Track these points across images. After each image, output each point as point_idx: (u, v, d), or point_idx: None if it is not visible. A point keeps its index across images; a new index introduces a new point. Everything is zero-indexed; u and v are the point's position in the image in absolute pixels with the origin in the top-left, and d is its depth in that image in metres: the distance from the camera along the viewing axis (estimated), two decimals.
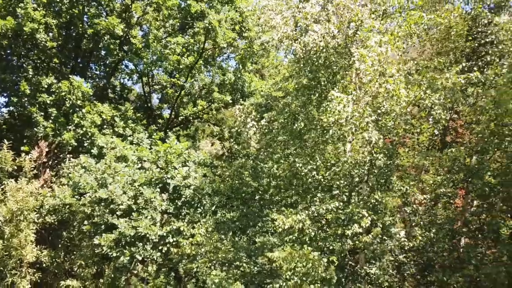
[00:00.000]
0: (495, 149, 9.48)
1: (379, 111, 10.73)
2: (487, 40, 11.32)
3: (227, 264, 11.33)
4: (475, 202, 10.72)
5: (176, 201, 12.79)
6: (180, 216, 12.56)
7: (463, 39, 11.90)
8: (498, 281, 8.68)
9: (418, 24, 12.01)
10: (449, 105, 10.12)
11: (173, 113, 20.56)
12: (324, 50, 11.52)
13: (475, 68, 11.00)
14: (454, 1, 13.37)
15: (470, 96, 10.47)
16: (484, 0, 12.07)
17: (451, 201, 10.58)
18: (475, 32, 11.86)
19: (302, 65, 12.19)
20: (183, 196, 12.76)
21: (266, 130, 12.89)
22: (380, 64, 10.51)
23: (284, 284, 9.25)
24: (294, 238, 10.11)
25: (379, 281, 10.23)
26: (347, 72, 12.36)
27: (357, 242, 9.40)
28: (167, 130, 16.88)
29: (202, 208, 12.77)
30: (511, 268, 8.91)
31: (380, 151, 10.42)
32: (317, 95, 12.58)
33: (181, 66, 18.39)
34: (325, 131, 11.65)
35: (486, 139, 9.67)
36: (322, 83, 12.35)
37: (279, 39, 12.28)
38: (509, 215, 9.82)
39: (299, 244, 9.80)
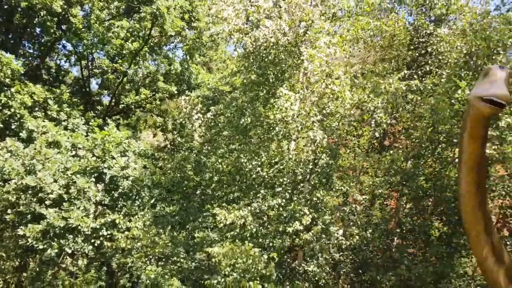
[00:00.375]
0: (430, 155, 10.00)
1: (324, 111, 10.93)
2: (428, 50, 11.92)
3: (164, 259, 10.99)
4: (408, 205, 11.26)
5: (113, 192, 12.16)
6: (116, 208, 11.96)
7: (406, 48, 12.45)
8: (426, 280, 9.19)
9: (365, 30, 12.40)
10: (390, 110, 10.51)
11: (113, 100, 19.57)
12: (274, 46, 11.52)
13: (415, 76, 11.55)
14: (398, 11, 13.95)
15: (409, 102, 10.97)
16: (426, 12, 12.70)
17: (386, 202, 11.06)
18: (416, 42, 12.45)
19: (251, 60, 12.09)
20: (121, 187, 12.16)
21: (212, 124, 12.66)
22: (328, 65, 10.69)
23: (222, 280, 9.12)
24: (235, 234, 10.02)
25: (316, 278, 10.43)
26: (295, 71, 12.49)
27: (297, 239, 9.49)
28: (106, 118, 16.00)
29: (140, 200, 12.26)
30: (438, 268, 9.47)
31: (323, 151, 10.61)
32: (264, 91, 12.58)
33: (124, 52, 17.55)
34: (271, 128, 11.67)
35: (422, 145, 10.18)
36: (271, 80, 12.35)
37: (230, 32, 12.08)
38: (439, 218, 10.42)
39: (240, 240, 9.73)
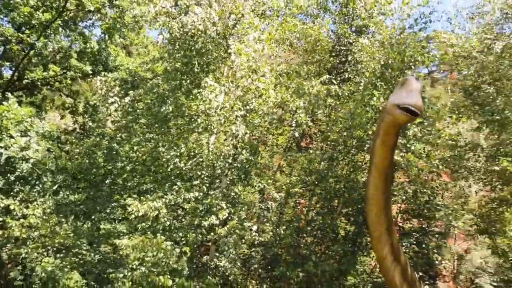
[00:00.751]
0: (343, 158, 10.51)
1: (248, 107, 10.92)
2: (348, 58, 12.53)
3: (64, 251, 10.10)
4: (318, 204, 11.70)
5: (9, 175, 10.87)
6: (12, 193, 10.71)
7: (328, 54, 12.96)
8: (332, 276, 9.64)
9: (291, 32, 12.67)
10: (310, 112, 10.83)
11: (16, 74, 17.55)
12: (202, 35, 11.23)
13: (334, 82, 12.05)
14: (323, 18, 14.48)
15: (327, 106, 11.38)
16: (348, 22, 13.34)
17: (299, 201, 11.41)
18: (338, 50, 13.03)
19: (177, 47, 11.64)
20: (18, 170, 10.92)
21: (130, 109, 11.94)
22: (255, 61, 10.70)
23: (129, 274, 8.62)
24: (147, 226, 9.55)
25: (227, 273, 10.37)
26: (221, 63, 12.32)
27: (212, 233, 9.33)
28: (6, 93, 14.27)
29: (41, 186, 11.12)
30: (343, 265, 9.99)
31: (244, 146, 10.59)
32: (188, 81, 12.21)
33: (33, 22, 15.82)
34: (192, 119, 11.36)
35: (337, 148, 10.65)
36: (195, 70, 12.02)
37: (156, 14, 11.52)
38: (346, 218, 10.99)
39: (152, 232, 9.30)
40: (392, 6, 13.36)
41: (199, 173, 10.93)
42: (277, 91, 10.83)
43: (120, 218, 11.01)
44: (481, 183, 15.67)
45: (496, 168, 13.42)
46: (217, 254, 10.91)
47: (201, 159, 10.54)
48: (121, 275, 8.57)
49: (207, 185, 10.73)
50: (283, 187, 11.53)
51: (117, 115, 11.88)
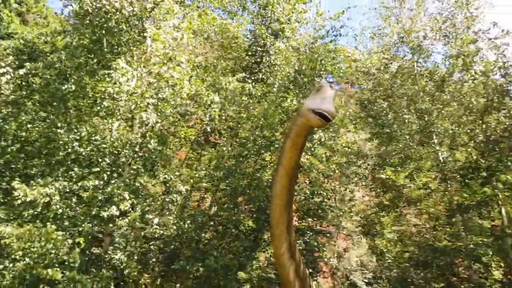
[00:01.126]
0: (252, 156, 10.70)
1: (160, 95, 10.53)
2: (263, 60, 12.82)
3: None
4: (223, 199, 11.76)
5: None
6: None
7: (244, 52, 13.11)
8: (230, 271, 9.76)
9: (210, 25, 12.55)
10: (226, 107, 10.83)
11: None
12: (117, 13, 10.52)
13: (248, 81, 12.25)
14: (241, 16, 14.62)
15: (241, 104, 11.49)
16: (266, 24, 13.66)
17: (204, 195, 11.34)
18: (254, 50, 13.26)
19: (87, 22, 10.73)
20: None
21: (24, 83, 10.66)
22: (172, 49, 10.37)
23: (11, 265, 7.71)
24: (35, 213, 8.61)
25: (122, 266, 9.88)
26: (134, 46, 11.69)
27: (111, 225, 8.78)
28: None
29: None
30: (242, 260, 10.18)
31: (153, 136, 10.18)
32: (95, 60, 11.33)
33: None
34: (97, 102, 10.57)
35: (247, 145, 10.81)
36: (105, 49, 11.21)
37: None
38: (250, 214, 11.21)
39: (41, 221, 8.42)
40: (307, 15, 14.04)
41: (100, 159, 10.21)
42: (192, 83, 10.63)
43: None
44: (367, 189, 17.30)
45: (383, 176, 14.94)
46: (111, 247, 10.31)
47: (104, 145, 9.86)
48: (0, 267, 7.63)
49: (109, 173, 10.07)
50: (191, 180, 11.35)
51: (8, 87, 10.52)
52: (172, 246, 10.59)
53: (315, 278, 14.70)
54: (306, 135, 9.46)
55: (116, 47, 11.29)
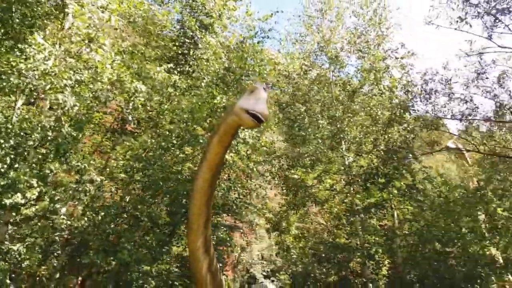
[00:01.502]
0: (176, 149, 10.51)
1: (77, 77, 9.81)
2: (190, 52, 12.62)
3: None
4: (139, 191, 11.38)
5: None
6: None
7: (171, 42, 12.79)
8: (144, 264, 9.54)
9: (137, 9, 12.01)
10: (153, 97, 10.44)
11: None
12: None
13: (175, 72, 11.98)
14: (173, 5, 14.20)
15: (167, 95, 11.21)
16: (195, 17, 13.46)
17: (119, 187, 10.86)
18: (182, 41, 12.99)
19: None
20: None
21: None
22: (97, 30, 9.75)
23: None
24: None
25: (20, 258, 9.09)
26: (51, 22, 10.73)
27: (14, 214, 8.00)
28: None
29: None
30: (156, 254, 10.02)
31: (68, 120, 9.46)
32: (2, 31, 10.13)
33: None
34: (2, 77, 9.48)
35: (169, 138, 10.59)
36: (16, 19, 10.09)
37: None
38: (166, 208, 11.02)
39: None
40: (236, 13, 14.14)
41: (2, 140, 9.19)
42: (115, 68, 10.08)
43: None
44: (279, 188, 18.05)
45: (296, 176, 15.73)
46: (7, 236, 9.40)
47: (9, 125, 8.88)
48: None
49: (13, 156, 9.12)
50: (107, 170, 10.78)
51: None
52: (80, 238, 9.99)
53: (224, 273, 14.99)
54: (234, 133, 9.62)
55: (30, 18, 10.25)
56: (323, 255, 15.96)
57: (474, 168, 22.30)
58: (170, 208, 10.99)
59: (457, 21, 12.55)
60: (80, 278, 11.39)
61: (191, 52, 12.62)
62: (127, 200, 11.37)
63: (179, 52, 12.89)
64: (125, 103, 10.20)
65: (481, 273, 13.62)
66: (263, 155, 13.80)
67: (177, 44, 12.77)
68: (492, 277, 13.96)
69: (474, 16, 12.33)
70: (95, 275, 10.20)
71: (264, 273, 19.30)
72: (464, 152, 21.80)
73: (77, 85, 9.78)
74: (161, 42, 12.45)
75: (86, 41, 10.08)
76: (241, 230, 14.41)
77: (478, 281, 13.80)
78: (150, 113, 12.67)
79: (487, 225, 16.13)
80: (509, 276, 15.41)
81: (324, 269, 15.52)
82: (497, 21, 12.05)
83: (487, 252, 15.26)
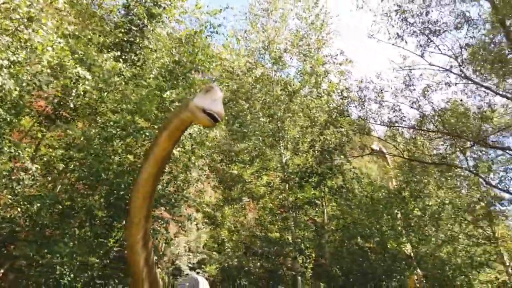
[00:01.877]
0: (121, 140, 10.18)
1: (15, 57, 9.12)
2: (137, 40, 12.25)
3: None
4: (77, 182, 10.90)
5: None
6: None
7: (118, 29, 12.34)
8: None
9: None
10: (99, 86, 9.99)
11: None
12: None
13: (120, 60, 11.59)
14: None
15: (116, 85, 10.80)
16: (144, 4, 13.07)
17: (58, 176, 10.29)
18: (127, 28, 12.55)
19: None
20: None
21: None
22: (41, 10, 9.14)
23: None
24: None
25: None
26: None
27: None
28: None
29: None
30: (96, 248, 9.72)
31: (3, 103, 8.79)
32: None
33: None
34: None
35: (110, 128, 10.23)
36: None
37: None
38: (106, 200, 10.69)
39: None
40: (186, 5, 13.99)
41: None
42: (57, 52, 9.52)
43: None
44: (216, 181, 18.23)
45: (235, 172, 16.01)
46: None
47: None
48: None
49: None
50: (44, 158, 10.16)
51: None
52: (9, 229, 9.37)
53: (159, 266, 14.87)
54: (184, 129, 9.67)
55: None
56: (256, 249, 16.47)
57: (394, 170, 24.11)
58: (109, 200, 10.68)
59: (395, 37, 13.61)
60: (2, 271, 10.68)
61: (137, 40, 12.27)
62: (60, 190, 10.85)
63: (125, 39, 12.47)
64: (68, 89, 9.68)
65: (398, 268, 14.96)
66: (207, 150, 13.87)
67: (123, 31, 12.34)
68: (407, 272, 15.42)
69: (409, 34, 13.46)
70: (24, 268, 9.64)
71: (190, 265, 19.40)
72: (387, 155, 23.55)
73: (13, 66, 9.12)
74: (106, 27, 11.95)
75: (25, 20, 9.40)
76: (180, 224, 14.34)
77: (396, 275, 15.15)
78: (89, 100, 12.13)
79: (403, 223, 17.71)
80: (418, 270, 17.09)
81: (258, 263, 16.02)
82: (429, 41, 13.26)
83: (403, 248, 16.79)
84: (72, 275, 10.16)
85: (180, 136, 9.69)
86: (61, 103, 11.37)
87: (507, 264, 20.71)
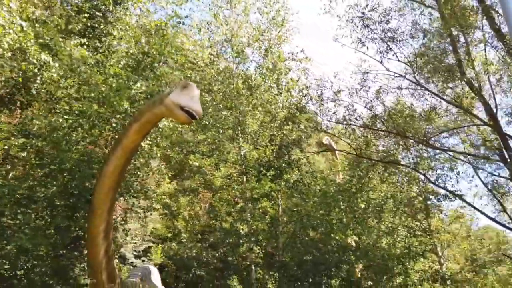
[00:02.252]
0: (83, 129, 9.93)
1: None
2: (101, 26, 11.88)
3: None
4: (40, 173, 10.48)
5: None
6: None
7: (81, 14, 11.89)
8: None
9: None
10: (67, 74, 9.61)
11: None
12: None
13: (84, 46, 11.20)
14: None
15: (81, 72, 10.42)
16: None
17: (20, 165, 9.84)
18: (91, 13, 12.12)
19: None
20: None
21: None
22: None
23: None
24: None
25: None
26: None
27: None
28: None
29: None
30: (59, 240, 9.54)
31: None
32: None
33: None
34: None
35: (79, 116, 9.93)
36: None
37: None
38: (70, 191, 10.40)
39: None
40: None
41: None
42: (19, 36, 9.07)
43: None
44: (173, 171, 18.18)
45: (196, 163, 16.10)
46: None
47: None
48: None
49: None
50: (5, 147, 9.66)
51: None
52: None
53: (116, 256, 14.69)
54: (156, 123, 9.70)
55: None
56: (212, 239, 16.76)
57: (342, 164, 25.15)
58: (71, 191, 10.42)
59: (357, 42, 14.36)
60: None
61: (101, 26, 11.91)
62: (17, 178, 10.41)
63: (88, 24, 12.06)
64: (32, 75, 9.25)
65: (348, 259, 15.90)
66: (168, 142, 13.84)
67: (86, 16, 11.91)
68: (355, 263, 16.42)
69: (370, 40, 14.25)
70: None
71: (135, 253, 19.30)
72: (336, 150, 24.59)
73: None
74: (70, 11, 11.49)
75: None
76: (140, 216, 14.27)
77: (344, 266, 16.08)
78: (50, 85, 11.64)
79: (349, 215, 18.74)
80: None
81: (216, 254, 16.33)
82: (388, 48, 14.12)
83: (349, 240, 17.82)
84: (28, 265, 9.89)
85: (150, 129, 9.69)
86: (18, 87, 10.84)
87: (439, 254, 22.66)
